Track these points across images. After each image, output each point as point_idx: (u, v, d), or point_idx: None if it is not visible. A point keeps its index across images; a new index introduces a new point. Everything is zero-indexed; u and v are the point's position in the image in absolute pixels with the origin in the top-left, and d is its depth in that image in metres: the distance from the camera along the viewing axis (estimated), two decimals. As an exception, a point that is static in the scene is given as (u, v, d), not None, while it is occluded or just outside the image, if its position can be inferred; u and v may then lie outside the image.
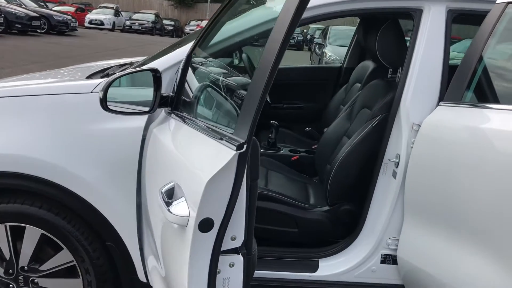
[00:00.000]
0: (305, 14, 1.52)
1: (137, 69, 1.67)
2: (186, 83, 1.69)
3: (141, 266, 1.94)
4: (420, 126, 1.81)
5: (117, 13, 28.66)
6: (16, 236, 1.93)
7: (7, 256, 1.95)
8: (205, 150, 1.04)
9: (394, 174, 1.89)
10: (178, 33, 32.54)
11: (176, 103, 1.69)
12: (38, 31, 17.17)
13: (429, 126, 1.78)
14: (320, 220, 2.17)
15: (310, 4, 1.14)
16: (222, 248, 0.98)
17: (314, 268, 2.03)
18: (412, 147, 1.81)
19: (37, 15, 16.85)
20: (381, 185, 1.95)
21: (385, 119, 1.98)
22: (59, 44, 14.78)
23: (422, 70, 1.86)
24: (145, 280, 1.96)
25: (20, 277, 1.97)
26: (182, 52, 1.89)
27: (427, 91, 1.85)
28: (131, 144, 1.84)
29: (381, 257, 1.98)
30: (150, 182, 1.71)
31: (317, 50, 14.18)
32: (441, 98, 1.84)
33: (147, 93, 1.77)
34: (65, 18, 18.93)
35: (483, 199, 1.49)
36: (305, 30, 30.07)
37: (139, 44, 19.22)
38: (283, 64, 2.54)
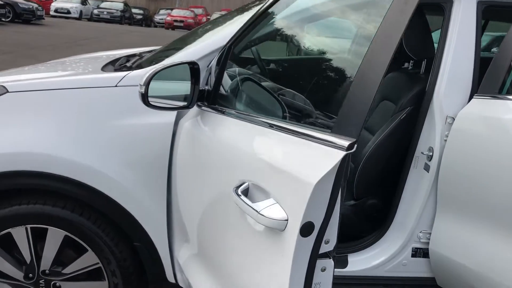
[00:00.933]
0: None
1: (176, 62, 1.59)
2: (224, 77, 1.63)
3: (170, 266, 1.87)
4: (454, 119, 1.80)
5: (84, 2, 27.83)
6: (37, 238, 1.83)
7: (28, 260, 1.85)
8: (300, 151, 0.99)
9: (427, 168, 1.88)
10: (147, 22, 31.94)
11: (214, 97, 1.62)
12: (3, 19, 16.49)
13: (464, 119, 1.77)
14: (346, 214, 2.15)
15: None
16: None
17: (344, 263, 2.00)
18: (446, 140, 1.80)
19: (2, 2, 16.17)
20: (412, 179, 1.93)
21: (414, 112, 1.96)
22: (27, 34, 14.25)
23: (455, 63, 1.84)
24: (173, 281, 1.90)
25: (41, 281, 1.88)
26: (208, 45, 1.82)
27: (460, 84, 1.84)
28: (161, 140, 1.77)
29: (412, 251, 1.97)
30: (186, 179, 1.64)
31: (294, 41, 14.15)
32: (474, 91, 1.83)
33: (177, 87, 1.71)
34: (31, 6, 18.23)
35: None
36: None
37: (111, 34, 18.75)
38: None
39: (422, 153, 1.89)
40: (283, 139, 1.06)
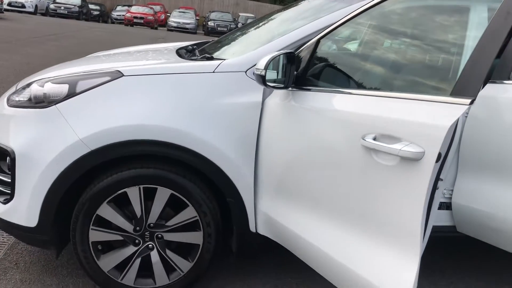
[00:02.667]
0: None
1: (282, 51, 2.03)
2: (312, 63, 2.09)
3: (253, 218, 2.31)
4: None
5: (39, -4, 27.18)
6: (147, 196, 2.22)
7: (138, 215, 2.23)
8: (423, 108, 1.45)
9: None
10: (104, 18, 31.54)
11: (303, 80, 2.07)
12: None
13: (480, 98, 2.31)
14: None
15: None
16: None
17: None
18: (466, 117, 2.34)
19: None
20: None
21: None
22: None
23: None
24: (254, 230, 2.34)
25: (146, 233, 2.27)
26: (287, 39, 2.28)
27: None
28: (252, 114, 2.21)
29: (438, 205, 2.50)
30: (278, 144, 2.09)
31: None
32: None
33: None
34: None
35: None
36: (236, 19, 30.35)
37: (75, 30, 18.58)
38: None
39: None
40: (397, 102, 1.54)
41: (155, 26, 27.89)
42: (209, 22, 28.01)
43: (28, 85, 2.35)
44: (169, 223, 2.27)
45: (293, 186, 2.08)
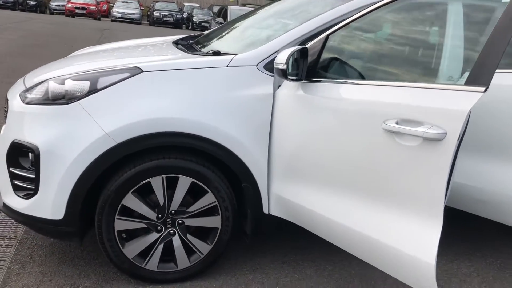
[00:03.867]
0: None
1: (297, 47, 2.21)
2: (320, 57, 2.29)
3: (267, 200, 2.51)
4: None
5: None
6: (168, 185, 2.35)
7: (161, 203, 2.36)
8: (441, 97, 1.68)
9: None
10: (41, 9, 30.27)
11: (313, 72, 2.27)
12: None
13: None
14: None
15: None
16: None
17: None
18: None
19: None
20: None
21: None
22: None
23: None
24: (267, 212, 2.53)
25: (168, 220, 2.40)
26: (293, 34, 2.46)
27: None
28: (265, 105, 2.39)
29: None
30: (291, 131, 2.29)
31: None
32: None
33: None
34: None
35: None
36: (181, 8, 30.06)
37: (15, 21, 17.76)
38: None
39: None
40: (415, 91, 1.78)
41: (98, 16, 27.09)
42: (154, 12, 27.54)
43: (42, 82, 2.40)
44: (190, 209, 2.41)
45: (309, 168, 2.28)
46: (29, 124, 2.31)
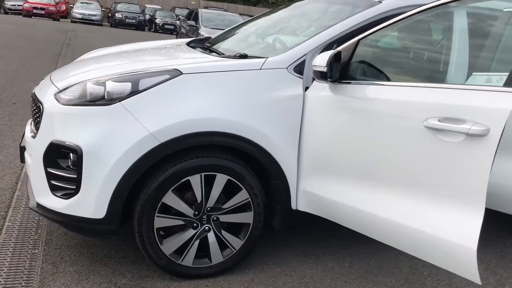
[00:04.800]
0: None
1: (333, 51, 2.35)
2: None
3: (295, 197, 2.64)
4: None
5: None
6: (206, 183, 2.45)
7: (199, 200, 2.45)
8: (481, 97, 1.86)
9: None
10: (-4, 9, 29.17)
11: (345, 75, 2.42)
12: None
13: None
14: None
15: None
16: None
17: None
18: None
19: None
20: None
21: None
22: None
23: None
24: (295, 208, 2.66)
25: (204, 217, 2.49)
26: (320, 38, 2.61)
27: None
28: (296, 105, 2.52)
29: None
30: (323, 130, 2.44)
31: (182, 31, 14.79)
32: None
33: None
34: None
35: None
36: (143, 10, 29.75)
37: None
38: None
39: None
40: (455, 92, 1.96)
41: (57, 17, 26.39)
42: (116, 14, 27.13)
43: (78, 83, 2.44)
44: (225, 206, 2.51)
45: (342, 164, 2.43)
46: (70, 125, 2.34)
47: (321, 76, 2.31)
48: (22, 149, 2.72)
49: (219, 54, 2.93)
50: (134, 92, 2.32)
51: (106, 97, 2.32)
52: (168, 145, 2.30)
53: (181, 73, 2.39)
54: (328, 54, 2.30)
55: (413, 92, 2.14)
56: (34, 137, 2.57)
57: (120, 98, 2.31)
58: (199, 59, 2.75)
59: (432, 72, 2.54)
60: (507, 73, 1.88)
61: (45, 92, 2.59)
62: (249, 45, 3.32)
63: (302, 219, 2.73)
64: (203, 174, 2.42)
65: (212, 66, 2.50)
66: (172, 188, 2.38)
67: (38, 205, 2.46)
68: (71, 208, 2.34)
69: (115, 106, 2.30)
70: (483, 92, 1.90)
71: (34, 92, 2.78)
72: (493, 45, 2.46)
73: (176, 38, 16.52)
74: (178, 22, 16.99)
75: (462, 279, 2.80)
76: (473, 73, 2.60)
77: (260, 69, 2.52)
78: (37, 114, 2.59)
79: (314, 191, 2.57)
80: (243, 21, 4.02)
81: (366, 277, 2.76)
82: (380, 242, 2.40)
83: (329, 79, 2.31)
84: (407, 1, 2.78)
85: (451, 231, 1.98)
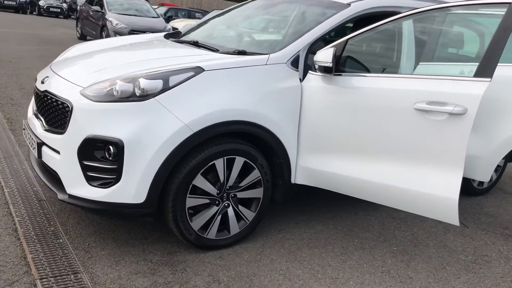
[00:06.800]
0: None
1: (331, 49, 2.81)
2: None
3: (295, 173, 3.11)
4: None
5: None
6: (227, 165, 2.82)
7: (221, 180, 2.81)
8: (454, 85, 2.47)
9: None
10: None
11: (336, 68, 2.91)
12: None
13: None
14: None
15: None
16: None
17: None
18: None
19: None
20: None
21: None
22: None
23: None
24: (294, 181, 3.13)
25: (224, 194, 2.87)
26: (311, 36, 3.08)
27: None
28: (296, 94, 2.98)
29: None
30: (318, 114, 2.93)
31: (84, 15, 14.22)
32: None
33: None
34: None
35: None
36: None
37: None
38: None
39: None
40: (435, 81, 2.55)
41: None
42: (39, 2, 25.71)
43: (106, 80, 2.65)
44: (242, 183, 2.91)
45: (338, 142, 2.93)
46: (107, 120, 2.55)
47: (325, 70, 2.79)
48: (39, 145, 2.84)
49: (214, 50, 3.25)
50: (166, 88, 2.60)
51: (139, 93, 2.56)
52: (199, 134, 2.62)
53: (204, 70, 2.71)
54: (330, 51, 2.78)
55: (402, 82, 2.71)
56: (53, 132, 2.73)
57: (154, 94, 2.57)
58: (220, 56, 3.04)
59: (394, 63, 3.17)
60: (475, 64, 2.51)
61: (65, 89, 2.74)
62: (234, 40, 3.68)
63: (297, 192, 3.22)
64: (225, 157, 2.78)
65: (228, 62, 2.84)
66: (201, 171, 2.71)
67: (71, 196, 2.65)
68: (112, 196, 2.57)
69: (150, 101, 2.56)
70: (460, 81, 2.52)
71: (45, 90, 2.89)
72: (431, 43, 3.18)
73: (77, 24, 15.77)
74: (78, 6, 16.20)
75: (421, 230, 3.52)
76: (420, 63, 3.28)
77: (266, 64, 2.92)
78: (50, 110, 2.75)
79: (311, 166, 3.06)
80: (213, 16, 4.33)
81: (350, 234, 3.34)
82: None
83: (334, 73, 2.79)
84: (370, 3, 3.35)
85: (437, 188, 2.60)
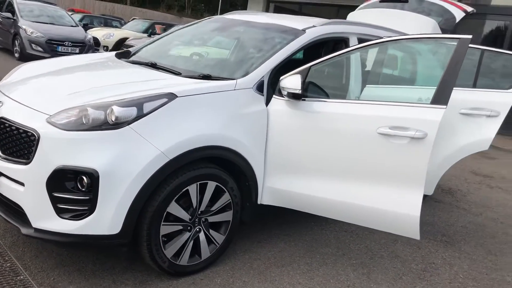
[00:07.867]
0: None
1: (298, 75, 2.92)
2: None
3: (261, 194, 3.18)
4: None
5: None
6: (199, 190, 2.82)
7: (194, 206, 2.81)
8: (411, 112, 2.68)
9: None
10: None
11: (304, 95, 3.03)
12: None
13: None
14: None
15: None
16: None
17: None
18: None
19: None
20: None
21: None
22: None
23: None
24: (259, 202, 3.20)
25: (196, 220, 2.87)
26: (273, 61, 3.18)
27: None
28: (261, 119, 3.06)
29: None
30: (284, 138, 3.04)
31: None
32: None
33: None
34: None
35: None
36: None
37: None
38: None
39: None
40: (397, 108, 2.75)
41: None
42: None
43: (73, 108, 2.55)
44: (213, 208, 2.92)
45: (303, 163, 3.05)
46: (79, 150, 2.45)
47: (293, 96, 2.90)
48: None
49: (175, 73, 3.23)
50: (140, 115, 2.55)
51: (112, 121, 2.49)
52: (175, 161, 2.61)
53: (177, 96, 2.70)
54: (297, 78, 2.89)
55: (365, 107, 2.89)
56: (13, 161, 2.58)
57: (128, 122, 2.51)
58: (188, 81, 3.02)
59: (345, 88, 3.38)
60: (431, 87, 2.76)
61: (27, 117, 2.60)
62: (191, 62, 3.68)
63: (262, 212, 3.29)
64: (198, 183, 2.78)
65: (199, 88, 2.84)
66: (175, 198, 2.69)
67: (38, 230, 2.51)
68: (85, 228, 2.47)
69: (124, 129, 2.50)
70: (418, 108, 2.75)
71: (1, 117, 2.70)
72: (376, 69, 3.47)
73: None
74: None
75: (373, 242, 3.74)
76: (367, 85, 3.52)
77: (234, 89, 2.97)
78: (9, 139, 2.63)
79: (277, 186, 3.15)
80: (163, 35, 4.27)
81: (311, 250, 3.47)
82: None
83: (304, 99, 2.91)
84: (323, 30, 3.53)
85: (400, 205, 2.81)
